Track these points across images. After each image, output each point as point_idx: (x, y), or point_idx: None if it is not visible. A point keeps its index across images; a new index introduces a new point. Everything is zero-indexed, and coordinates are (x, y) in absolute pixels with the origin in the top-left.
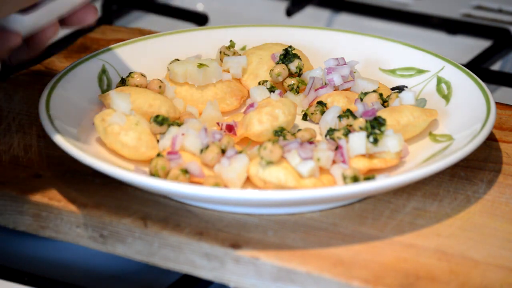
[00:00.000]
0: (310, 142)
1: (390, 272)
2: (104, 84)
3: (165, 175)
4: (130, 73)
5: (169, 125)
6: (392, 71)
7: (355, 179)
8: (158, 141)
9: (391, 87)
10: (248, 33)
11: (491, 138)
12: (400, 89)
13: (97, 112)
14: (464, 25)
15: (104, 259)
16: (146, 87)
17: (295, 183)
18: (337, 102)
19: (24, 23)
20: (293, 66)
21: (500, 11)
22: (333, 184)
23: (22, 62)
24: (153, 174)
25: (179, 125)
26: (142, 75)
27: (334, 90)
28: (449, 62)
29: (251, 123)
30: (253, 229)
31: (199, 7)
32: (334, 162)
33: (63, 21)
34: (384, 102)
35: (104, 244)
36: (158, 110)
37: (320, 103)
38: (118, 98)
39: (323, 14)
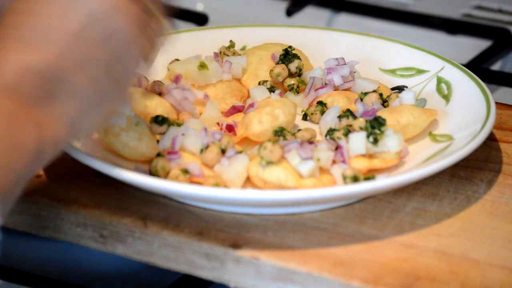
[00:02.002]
0: (310, 142)
1: (390, 272)
2: None
3: (165, 175)
4: None
5: (169, 125)
6: (392, 71)
7: (355, 179)
8: (158, 141)
9: (391, 87)
10: (248, 33)
11: (491, 138)
12: (400, 89)
13: None
14: (464, 25)
15: (104, 259)
16: (146, 88)
17: (295, 183)
18: (337, 102)
19: None
20: (293, 66)
21: (500, 11)
22: (333, 184)
23: None
24: (153, 174)
25: (179, 125)
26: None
27: (334, 90)
28: (449, 62)
29: (251, 123)
30: (253, 229)
31: (199, 7)
32: (334, 162)
33: None
34: (384, 102)
35: (104, 244)
36: (154, 111)
37: (320, 103)
38: None
39: (323, 14)
